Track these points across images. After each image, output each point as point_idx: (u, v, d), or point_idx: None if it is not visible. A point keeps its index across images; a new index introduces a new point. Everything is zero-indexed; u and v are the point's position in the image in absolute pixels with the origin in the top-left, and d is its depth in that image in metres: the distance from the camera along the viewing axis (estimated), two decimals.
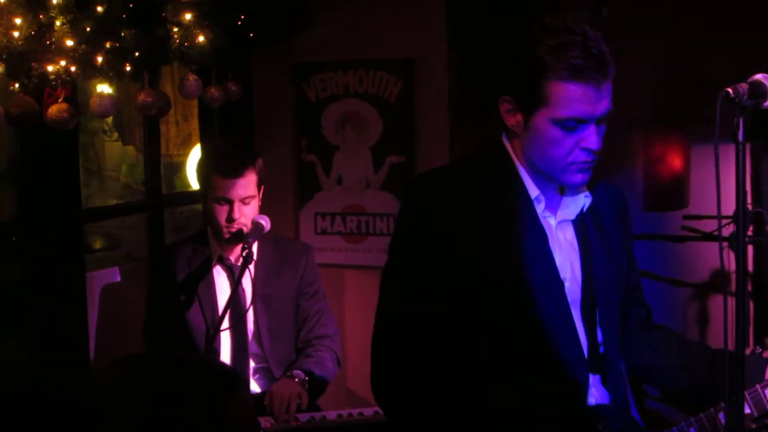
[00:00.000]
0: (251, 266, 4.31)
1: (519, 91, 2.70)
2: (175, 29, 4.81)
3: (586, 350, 2.76)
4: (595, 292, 2.81)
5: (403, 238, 2.81)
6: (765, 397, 2.87)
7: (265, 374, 4.50)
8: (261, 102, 6.00)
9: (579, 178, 2.74)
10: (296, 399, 4.17)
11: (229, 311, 4.27)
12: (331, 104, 5.82)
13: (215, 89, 5.34)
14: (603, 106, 2.67)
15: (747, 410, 2.83)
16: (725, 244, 5.46)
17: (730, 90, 2.51)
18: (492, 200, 2.74)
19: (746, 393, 2.80)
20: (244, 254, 4.11)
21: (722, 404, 2.84)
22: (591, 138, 2.68)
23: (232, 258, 4.45)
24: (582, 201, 2.82)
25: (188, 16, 4.85)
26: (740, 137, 2.52)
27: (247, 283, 4.39)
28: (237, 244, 4.37)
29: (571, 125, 2.65)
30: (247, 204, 4.33)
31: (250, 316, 4.44)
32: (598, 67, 2.63)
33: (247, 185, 4.33)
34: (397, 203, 5.68)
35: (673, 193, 5.59)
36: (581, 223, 2.84)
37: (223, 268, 4.44)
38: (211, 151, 4.46)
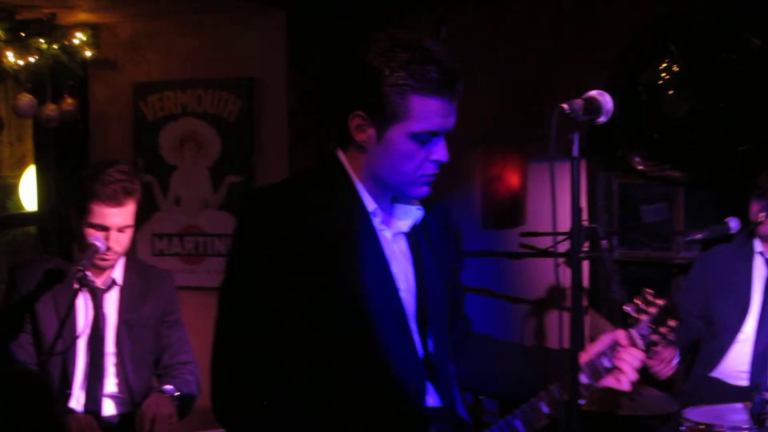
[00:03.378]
0: (116, 291, 4.28)
1: (372, 106, 2.68)
2: (9, 47, 4.69)
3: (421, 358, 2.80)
4: (427, 303, 2.85)
5: (241, 253, 2.78)
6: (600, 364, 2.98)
7: (124, 398, 4.42)
8: (98, 122, 5.89)
9: (425, 190, 2.77)
10: (167, 420, 4.15)
11: (88, 334, 4.21)
12: (169, 124, 5.76)
13: (50, 109, 5.23)
14: (453, 119, 2.71)
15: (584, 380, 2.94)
16: (562, 260, 5.58)
17: (565, 106, 2.58)
18: (330, 214, 2.74)
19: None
20: (78, 276, 4.01)
21: (542, 394, 2.90)
22: (441, 151, 2.71)
23: (98, 282, 4.35)
24: (414, 214, 2.86)
25: (23, 34, 4.74)
26: (575, 152, 2.58)
27: (111, 307, 4.32)
28: (105, 269, 4.29)
29: (425, 138, 2.67)
30: (123, 232, 4.24)
31: (112, 340, 4.36)
32: (452, 82, 2.66)
33: (127, 214, 4.22)
34: None
35: (510, 210, 5.69)
36: (413, 236, 2.88)
37: (87, 291, 4.33)
38: (93, 174, 4.27)
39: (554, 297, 5.82)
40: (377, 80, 2.65)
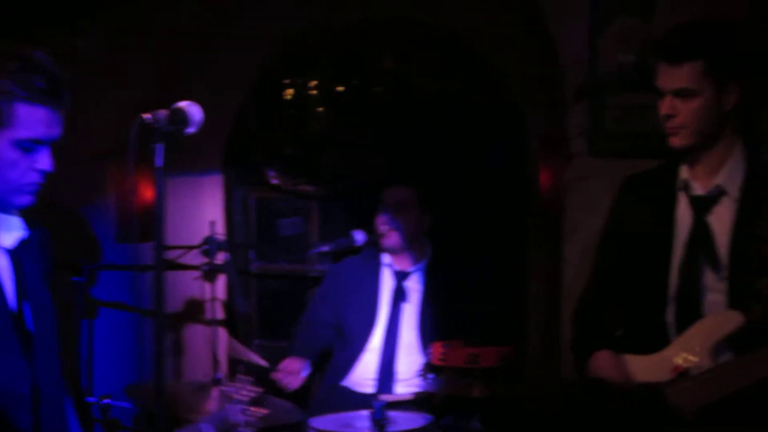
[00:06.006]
0: None
1: None
2: None
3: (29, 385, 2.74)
4: (33, 326, 2.80)
5: None
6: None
7: None
8: None
9: (28, 199, 2.74)
10: None
11: None
12: None
13: None
14: (59, 130, 2.71)
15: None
16: (198, 273, 5.56)
17: (148, 116, 2.60)
18: None
19: None
20: None
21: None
22: (46, 160, 2.70)
23: None
24: (19, 230, 2.80)
25: None
26: (159, 163, 2.60)
27: None
28: None
29: (29, 146, 2.66)
30: None
31: None
32: (58, 92, 2.67)
33: None
34: None
35: (145, 224, 5.60)
36: (15, 254, 2.81)
37: None
38: None
39: (191, 311, 5.80)
40: None
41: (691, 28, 3.29)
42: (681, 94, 3.21)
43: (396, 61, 5.80)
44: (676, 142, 3.28)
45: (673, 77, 3.21)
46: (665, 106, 3.24)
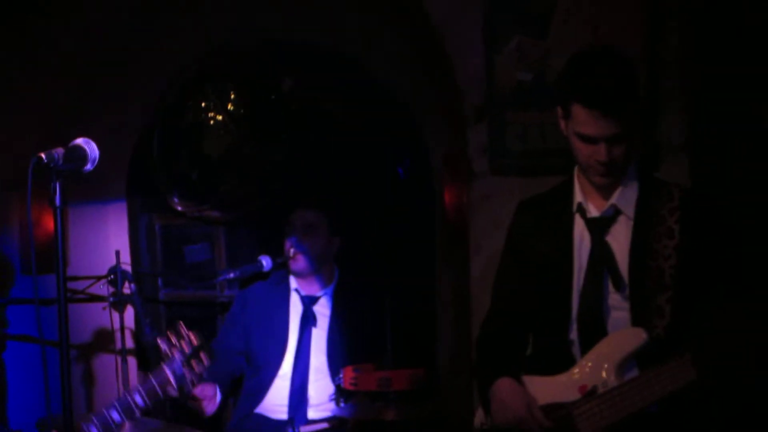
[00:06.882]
0: None
1: None
2: None
3: None
4: None
5: None
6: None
7: None
8: None
9: None
10: None
11: None
12: None
13: None
14: None
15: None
16: (106, 303, 5.50)
17: (43, 155, 2.57)
18: None
19: None
20: None
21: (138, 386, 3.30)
22: None
23: None
24: None
25: None
26: (57, 202, 2.58)
27: None
28: None
29: None
30: None
31: None
32: None
33: None
34: None
35: (50, 255, 5.54)
36: None
37: None
38: None
39: (101, 341, 5.73)
40: None
41: (605, 67, 3.19)
42: (616, 139, 3.16)
43: (297, 83, 5.77)
44: (607, 181, 3.28)
45: (606, 126, 3.13)
46: (603, 154, 3.17)
